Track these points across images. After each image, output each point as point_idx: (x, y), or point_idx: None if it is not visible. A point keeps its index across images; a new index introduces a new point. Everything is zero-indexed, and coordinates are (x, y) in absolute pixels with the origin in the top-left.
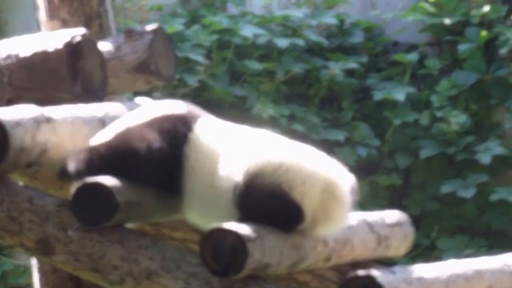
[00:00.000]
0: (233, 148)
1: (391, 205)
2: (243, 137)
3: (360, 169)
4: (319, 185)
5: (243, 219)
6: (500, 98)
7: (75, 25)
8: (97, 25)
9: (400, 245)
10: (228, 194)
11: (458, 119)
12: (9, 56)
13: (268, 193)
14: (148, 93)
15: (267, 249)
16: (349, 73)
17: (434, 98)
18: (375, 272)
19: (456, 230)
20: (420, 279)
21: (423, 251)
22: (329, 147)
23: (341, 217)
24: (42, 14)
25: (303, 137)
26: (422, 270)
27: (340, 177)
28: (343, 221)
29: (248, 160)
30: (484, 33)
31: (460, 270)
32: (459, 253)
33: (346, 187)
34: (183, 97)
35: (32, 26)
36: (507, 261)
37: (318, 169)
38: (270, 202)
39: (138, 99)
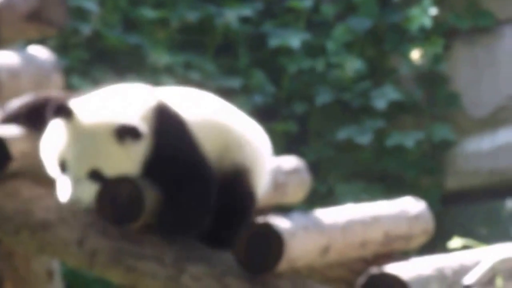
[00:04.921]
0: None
1: (288, 152)
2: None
3: (256, 116)
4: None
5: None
6: (395, 43)
7: None
8: None
9: (297, 192)
10: None
11: (353, 65)
12: None
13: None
14: (41, 42)
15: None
16: (244, 20)
17: (330, 45)
18: (273, 219)
19: (353, 176)
20: (317, 225)
21: (320, 197)
22: (225, 94)
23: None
24: None
25: (199, 85)
26: (319, 215)
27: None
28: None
29: None
30: None
31: (357, 215)
32: (356, 199)
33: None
34: (76, 46)
35: None
36: (404, 206)
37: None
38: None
39: (31, 48)
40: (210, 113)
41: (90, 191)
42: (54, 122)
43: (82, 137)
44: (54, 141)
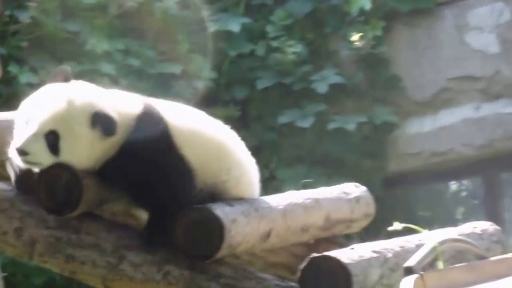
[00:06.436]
0: None
1: None
2: None
3: (197, 101)
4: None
5: None
6: (335, 26)
7: None
8: None
9: None
10: None
11: (294, 48)
12: None
13: None
14: None
15: (98, 184)
16: (184, 5)
17: (270, 28)
18: (211, 205)
19: (295, 160)
20: (257, 210)
21: (262, 182)
22: (165, 80)
23: None
24: None
25: (139, 71)
26: (260, 201)
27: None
28: None
29: None
30: None
31: (298, 200)
32: (298, 183)
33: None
34: (14, 34)
35: None
36: (345, 189)
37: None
38: None
39: None
40: (199, 126)
41: (40, 148)
42: (47, 86)
43: (62, 102)
44: (35, 99)
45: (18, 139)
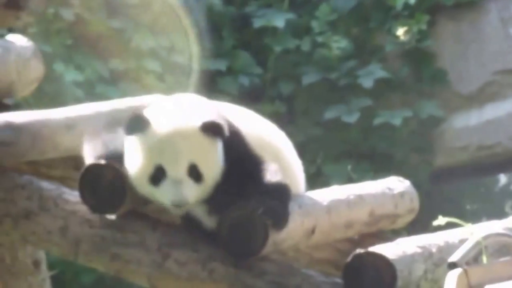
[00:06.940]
0: None
1: None
2: None
3: (243, 98)
4: None
5: None
6: (380, 21)
7: None
8: None
9: None
10: None
11: (339, 44)
12: None
13: None
14: (22, 30)
15: None
16: (228, 1)
17: (314, 24)
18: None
19: (341, 155)
20: (301, 206)
21: (309, 178)
22: (211, 77)
23: None
24: None
25: (184, 68)
26: (303, 197)
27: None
28: None
29: None
30: None
31: (342, 196)
32: (345, 178)
33: None
34: (59, 32)
35: None
36: (389, 184)
37: None
38: None
39: (10, 36)
40: (260, 129)
41: (192, 189)
42: (129, 140)
43: (171, 138)
44: (138, 155)
45: (165, 195)
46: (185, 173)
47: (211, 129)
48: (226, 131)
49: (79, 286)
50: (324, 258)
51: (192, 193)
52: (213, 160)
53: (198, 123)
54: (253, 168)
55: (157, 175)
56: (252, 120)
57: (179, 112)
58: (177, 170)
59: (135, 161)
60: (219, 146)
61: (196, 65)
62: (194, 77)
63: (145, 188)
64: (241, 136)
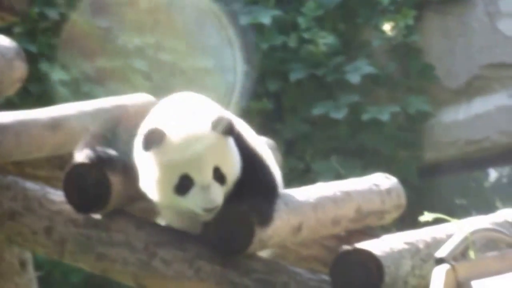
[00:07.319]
0: None
1: (263, 130)
2: None
3: (230, 95)
4: None
5: None
6: (366, 16)
7: None
8: None
9: None
10: None
11: (325, 40)
12: None
13: None
14: (7, 30)
15: (127, 181)
16: None
17: (301, 20)
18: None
19: (330, 152)
20: (287, 203)
21: (298, 174)
22: (198, 74)
23: None
24: None
25: (171, 67)
26: (289, 195)
27: None
28: None
29: None
30: None
31: (328, 192)
32: (333, 175)
33: None
34: (44, 31)
35: None
36: (375, 181)
37: None
38: None
39: None
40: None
41: (219, 191)
42: (145, 155)
43: (190, 145)
44: (158, 168)
45: (198, 202)
46: (211, 178)
47: (225, 128)
48: (236, 127)
49: (68, 286)
50: (311, 255)
51: (221, 195)
52: (232, 159)
53: (212, 124)
54: (251, 164)
55: (184, 184)
56: (247, 130)
57: (189, 116)
58: (204, 176)
59: (155, 174)
60: (232, 143)
61: (182, 63)
62: (182, 76)
63: (170, 199)
64: (240, 133)
